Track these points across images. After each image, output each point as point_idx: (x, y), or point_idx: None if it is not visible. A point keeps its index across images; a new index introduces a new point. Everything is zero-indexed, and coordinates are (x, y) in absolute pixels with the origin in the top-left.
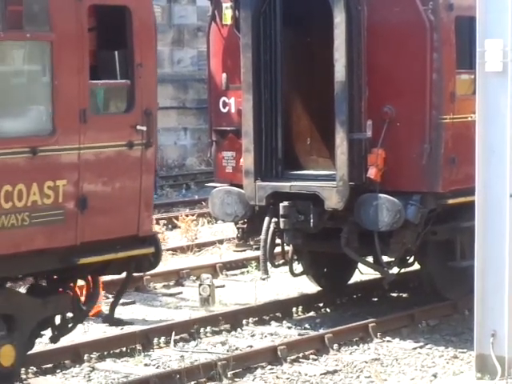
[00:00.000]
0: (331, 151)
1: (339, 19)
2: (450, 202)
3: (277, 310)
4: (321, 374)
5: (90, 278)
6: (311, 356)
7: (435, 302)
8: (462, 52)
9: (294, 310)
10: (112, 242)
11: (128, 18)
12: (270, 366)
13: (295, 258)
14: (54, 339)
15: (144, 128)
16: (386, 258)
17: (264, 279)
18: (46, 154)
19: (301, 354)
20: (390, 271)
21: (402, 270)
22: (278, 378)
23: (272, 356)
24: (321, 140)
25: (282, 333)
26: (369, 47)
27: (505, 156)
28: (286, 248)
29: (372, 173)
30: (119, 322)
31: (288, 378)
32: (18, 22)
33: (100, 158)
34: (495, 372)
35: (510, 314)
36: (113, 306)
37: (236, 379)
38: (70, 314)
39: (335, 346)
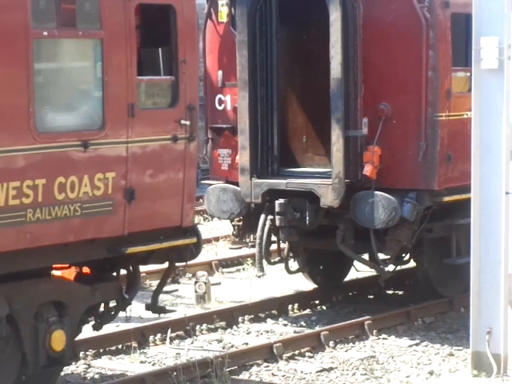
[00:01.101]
0: (327, 148)
1: (335, 16)
2: (446, 199)
3: (273, 308)
4: (316, 372)
5: (131, 268)
6: (307, 353)
7: (431, 299)
8: (458, 49)
9: (290, 307)
10: (156, 233)
11: (173, 16)
12: (265, 364)
13: (291, 255)
14: (96, 327)
15: (188, 122)
16: (381, 256)
17: (260, 277)
18: (96, 147)
19: (296, 352)
20: (386, 269)
21: (398, 268)
22: (273, 375)
23: (268, 353)
24: (317, 137)
25: (277, 330)
26: (364, 44)
27: (500, 153)
28: (282, 245)
29: (368, 170)
30: (162, 310)
31: (284, 376)
32: (71, 21)
33: (146, 151)
34: (491, 369)
35: (506, 311)
36: (156, 295)
37: (232, 376)
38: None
39: (331, 343)
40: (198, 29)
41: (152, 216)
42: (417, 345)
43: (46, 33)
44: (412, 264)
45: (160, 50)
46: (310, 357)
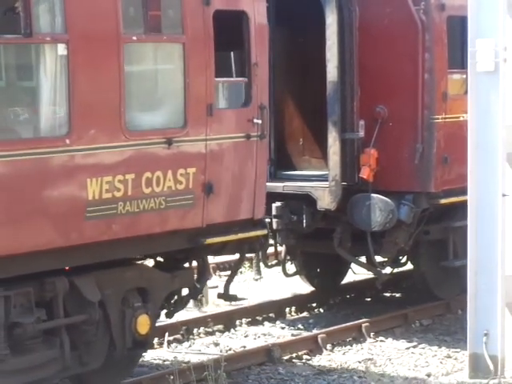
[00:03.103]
0: (324, 151)
1: (331, 19)
2: (443, 201)
3: (270, 311)
4: (314, 374)
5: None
6: (304, 356)
7: (428, 301)
8: (454, 52)
9: (287, 310)
10: (230, 225)
11: (246, 21)
12: (263, 367)
13: (288, 258)
14: (169, 315)
15: (259, 121)
16: (378, 258)
17: (257, 280)
18: (179, 144)
19: (294, 355)
20: (383, 271)
21: (395, 270)
22: (271, 378)
23: (265, 356)
24: (313, 140)
25: (275, 333)
26: (361, 47)
27: (497, 155)
28: (279, 248)
29: (364, 173)
30: (234, 298)
31: (281, 379)
32: (157, 26)
33: (223, 148)
34: (488, 371)
35: (503, 313)
36: (228, 283)
37: (229, 380)
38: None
39: (328, 346)
40: (268, 33)
41: (227, 209)
42: (414, 347)
43: (134, 38)
44: (409, 266)
45: (234, 53)
46: (308, 359)
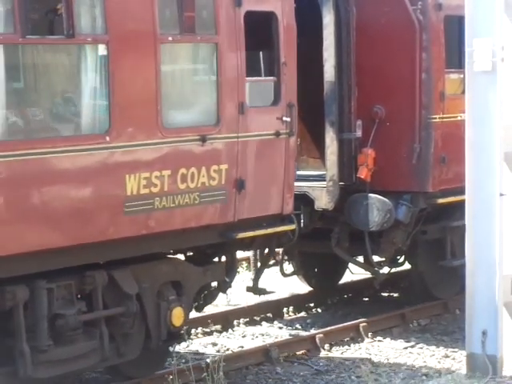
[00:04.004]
0: (321, 151)
1: (328, 19)
2: (440, 201)
3: (268, 311)
4: (312, 375)
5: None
6: (302, 356)
7: (426, 301)
8: (451, 51)
9: (285, 310)
10: (260, 220)
11: (275, 22)
12: (261, 367)
13: (286, 258)
14: (199, 308)
15: (288, 119)
16: (376, 258)
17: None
18: (212, 141)
19: (292, 354)
20: (381, 271)
21: (393, 270)
22: (269, 378)
23: (263, 356)
24: (311, 140)
25: (273, 333)
26: (358, 47)
27: (494, 155)
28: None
29: (362, 173)
30: (263, 291)
31: (279, 379)
32: (192, 27)
33: (253, 145)
34: (486, 371)
35: (501, 312)
36: (256, 277)
37: (227, 380)
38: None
39: (326, 346)
40: (296, 33)
41: (258, 204)
42: (412, 347)
43: (170, 38)
44: (407, 266)
45: (263, 52)
46: (306, 359)
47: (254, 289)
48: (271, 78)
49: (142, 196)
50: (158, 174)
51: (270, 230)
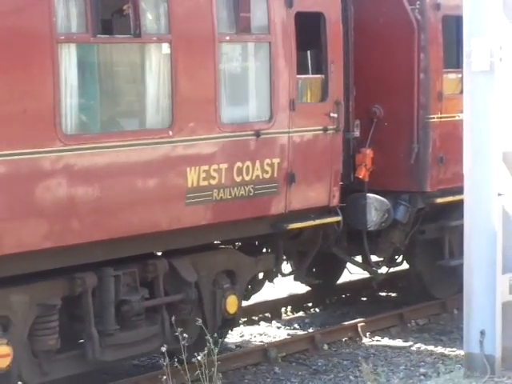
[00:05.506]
0: None
1: None
2: (439, 201)
3: (266, 310)
4: (310, 374)
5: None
6: (301, 356)
7: (424, 301)
8: (450, 51)
9: (283, 310)
10: (308, 212)
11: (323, 22)
12: (259, 367)
13: (284, 257)
14: (246, 296)
15: (335, 115)
16: (374, 258)
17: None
18: (265, 136)
19: (290, 354)
20: (379, 271)
21: (391, 270)
22: (267, 378)
23: (261, 356)
24: None
25: (271, 333)
26: (356, 47)
27: (493, 155)
28: None
29: (360, 172)
30: (310, 281)
31: (277, 378)
32: (247, 27)
33: (303, 140)
34: (484, 371)
35: (499, 312)
36: (303, 267)
37: (225, 380)
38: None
39: (325, 345)
40: (342, 33)
41: (307, 196)
42: (410, 347)
43: (228, 37)
44: (405, 266)
45: (311, 51)
46: (304, 359)
47: (301, 278)
48: (319, 75)
49: (202, 188)
50: (216, 167)
51: (318, 222)
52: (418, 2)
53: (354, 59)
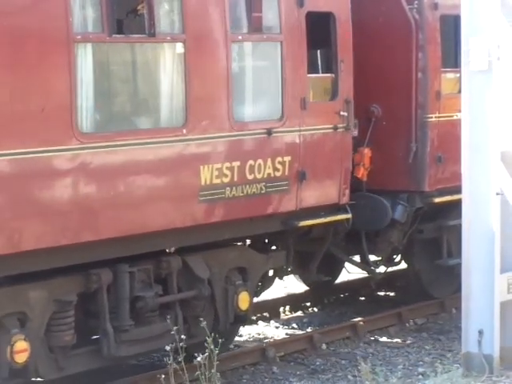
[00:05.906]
0: None
1: None
2: (437, 200)
3: (264, 310)
4: (308, 374)
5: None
6: (299, 355)
7: (422, 300)
8: (448, 51)
9: (282, 309)
10: (318, 209)
11: (333, 22)
12: (257, 366)
13: None
14: (257, 293)
15: (345, 114)
16: (373, 257)
17: None
18: (277, 134)
19: (288, 354)
20: (377, 270)
21: (389, 269)
22: (265, 378)
23: (260, 356)
24: None
25: (269, 333)
26: (354, 46)
27: (491, 154)
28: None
29: (358, 172)
30: (320, 278)
31: (276, 378)
32: (259, 26)
33: (314, 138)
34: (483, 370)
35: (497, 312)
36: (314, 265)
37: (223, 380)
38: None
39: (323, 345)
40: (351, 32)
41: (317, 194)
42: (408, 346)
43: (240, 37)
44: (403, 265)
45: (322, 50)
46: (302, 359)
47: (312, 276)
48: (329, 75)
49: (215, 185)
50: (229, 164)
51: (328, 219)
52: (416, 2)
53: (353, 58)
